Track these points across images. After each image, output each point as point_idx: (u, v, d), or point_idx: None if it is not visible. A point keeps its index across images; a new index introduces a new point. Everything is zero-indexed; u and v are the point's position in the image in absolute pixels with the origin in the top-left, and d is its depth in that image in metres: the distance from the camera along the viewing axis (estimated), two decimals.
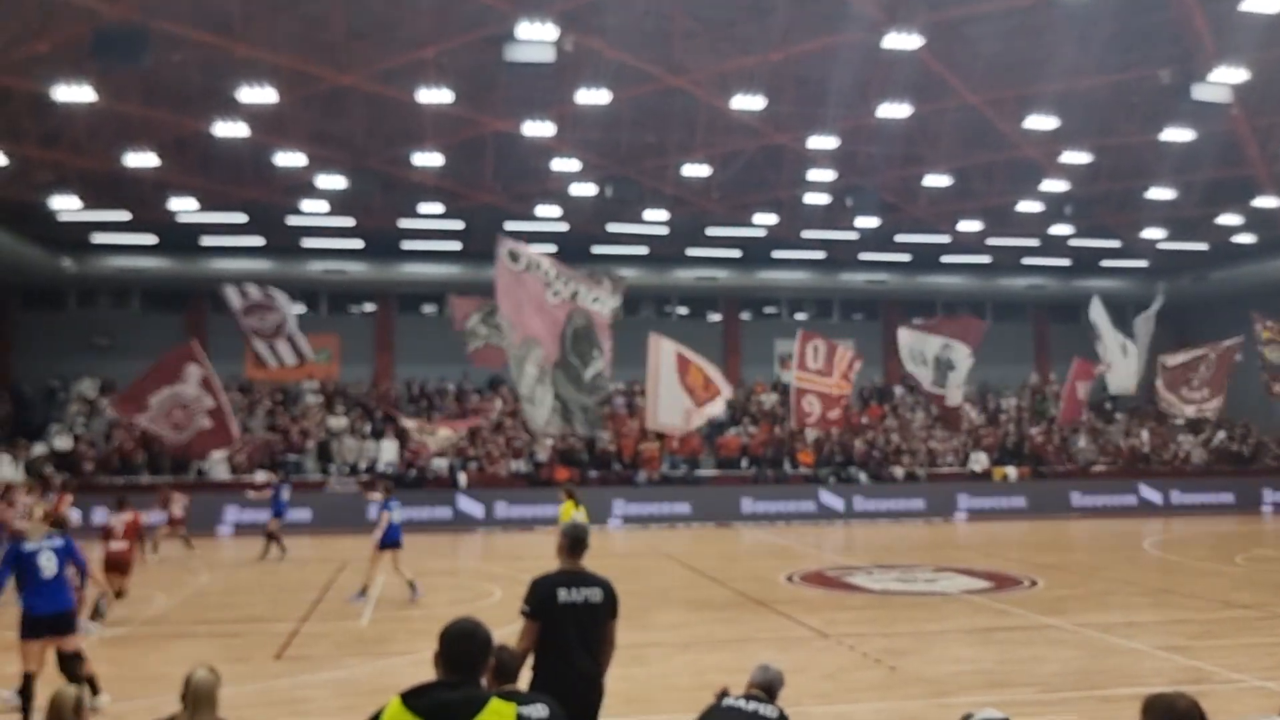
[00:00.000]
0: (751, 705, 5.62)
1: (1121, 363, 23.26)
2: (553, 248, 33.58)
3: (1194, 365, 23.31)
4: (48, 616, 8.55)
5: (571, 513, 13.28)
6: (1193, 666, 10.50)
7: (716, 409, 17.28)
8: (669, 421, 17.11)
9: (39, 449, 27.81)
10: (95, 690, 8.88)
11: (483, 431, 30.76)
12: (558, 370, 13.15)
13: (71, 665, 8.65)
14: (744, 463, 31.40)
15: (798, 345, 19.18)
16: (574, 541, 6.10)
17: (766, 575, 17.98)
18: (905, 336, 19.97)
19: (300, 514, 25.73)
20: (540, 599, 5.87)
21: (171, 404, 16.38)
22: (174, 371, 16.72)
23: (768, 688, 5.85)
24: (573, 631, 5.86)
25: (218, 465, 28.00)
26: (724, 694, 5.88)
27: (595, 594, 5.98)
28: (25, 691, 8.33)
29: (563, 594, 5.90)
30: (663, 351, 16.44)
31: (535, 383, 13.05)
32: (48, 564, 8.70)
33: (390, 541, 15.53)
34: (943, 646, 11.86)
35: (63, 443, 28.20)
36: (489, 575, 16.34)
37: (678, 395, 16.54)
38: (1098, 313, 23.31)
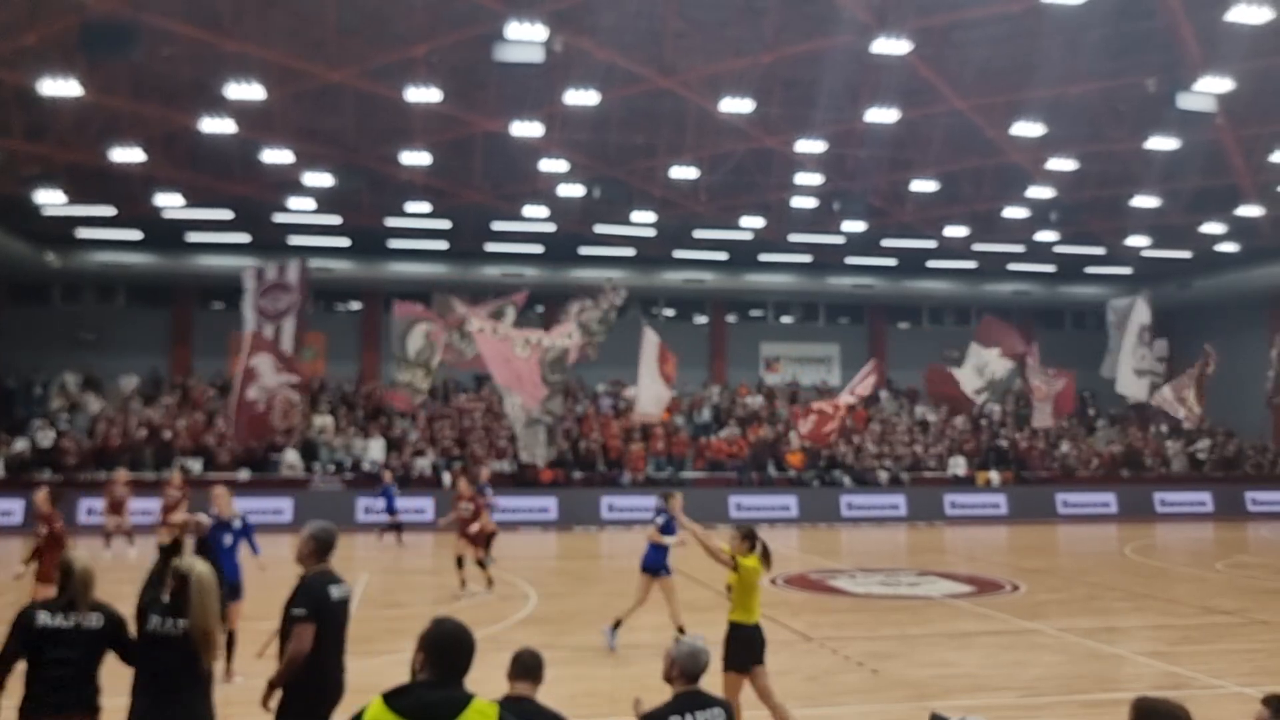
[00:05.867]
0: (701, 717, 4.69)
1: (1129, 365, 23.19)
2: (540, 248, 33.79)
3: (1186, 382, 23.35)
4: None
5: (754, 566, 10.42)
6: (1172, 672, 10.56)
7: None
8: (649, 410, 17.94)
9: (20, 444, 27.63)
10: None
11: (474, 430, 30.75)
12: (546, 401, 14.86)
13: None
14: (727, 465, 31.38)
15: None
16: (324, 544, 5.95)
17: None
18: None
19: (282, 511, 25.62)
20: (317, 599, 5.60)
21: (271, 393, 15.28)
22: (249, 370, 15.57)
23: (698, 674, 4.92)
24: (339, 631, 5.75)
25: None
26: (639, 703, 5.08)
27: (346, 590, 5.88)
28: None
29: (334, 591, 5.74)
30: (648, 341, 17.24)
31: (526, 415, 14.73)
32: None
33: None
34: (925, 650, 11.89)
35: (45, 438, 28.00)
36: (472, 575, 16.36)
37: (657, 385, 17.16)
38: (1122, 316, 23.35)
